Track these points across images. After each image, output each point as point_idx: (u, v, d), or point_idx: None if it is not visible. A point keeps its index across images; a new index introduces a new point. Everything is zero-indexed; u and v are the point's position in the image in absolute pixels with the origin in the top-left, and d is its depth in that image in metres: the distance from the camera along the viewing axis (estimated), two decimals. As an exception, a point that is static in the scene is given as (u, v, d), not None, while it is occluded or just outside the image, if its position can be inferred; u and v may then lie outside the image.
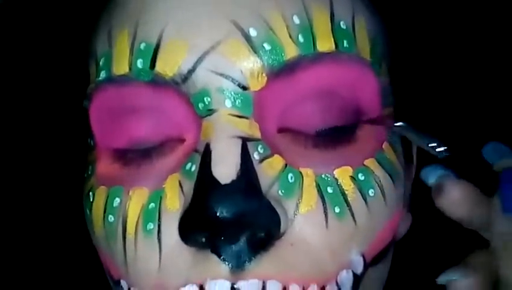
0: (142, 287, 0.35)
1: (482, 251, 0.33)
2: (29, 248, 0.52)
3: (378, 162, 0.36)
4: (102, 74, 0.36)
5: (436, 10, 0.54)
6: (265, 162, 0.34)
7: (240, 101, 0.34)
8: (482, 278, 0.32)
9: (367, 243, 0.36)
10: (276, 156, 0.34)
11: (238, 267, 0.32)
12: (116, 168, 0.37)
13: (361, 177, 0.35)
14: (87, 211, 0.38)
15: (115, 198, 0.36)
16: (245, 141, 0.34)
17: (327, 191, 0.34)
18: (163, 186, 0.35)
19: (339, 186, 0.35)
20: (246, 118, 0.34)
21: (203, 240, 0.32)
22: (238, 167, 0.33)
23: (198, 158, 0.34)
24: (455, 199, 0.33)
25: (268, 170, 0.34)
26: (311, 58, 0.35)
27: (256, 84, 0.34)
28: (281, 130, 0.36)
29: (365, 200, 0.35)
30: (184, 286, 0.33)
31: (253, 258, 0.33)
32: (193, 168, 0.34)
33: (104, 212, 0.36)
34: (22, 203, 0.52)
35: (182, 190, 0.34)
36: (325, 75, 0.35)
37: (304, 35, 0.35)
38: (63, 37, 0.49)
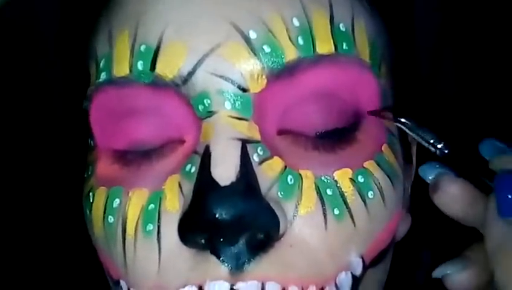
0: (141, 288, 0.35)
1: (480, 244, 0.33)
2: (28, 248, 0.52)
3: (378, 164, 0.36)
4: (103, 76, 0.36)
5: (436, 10, 0.54)
6: (264, 164, 0.34)
7: (239, 103, 0.34)
8: (478, 272, 0.32)
9: (366, 244, 0.36)
10: (275, 158, 0.35)
11: (237, 269, 0.33)
12: (116, 169, 0.37)
13: (360, 179, 0.35)
14: (87, 211, 0.38)
15: (114, 199, 0.36)
16: (245, 142, 0.34)
17: (326, 193, 0.35)
18: (163, 187, 0.35)
19: (339, 188, 0.35)
20: (246, 120, 0.34)
21: (203, 241, 0.33)
22: (238, 168, 0.33)
23: (198, 160, 0.34)
24: (451, 196, 0.34)
25: (268, 172, 0.34)
26: (310, 60, 0.35)
27: (256, 87, 0.34)
28: (281, 132, 0.36)
29: (364, 202, 0.35)
30: (183, 287, 0.33)
31: (252, 259, 0.33)
32: (193, 170, 0.34)
33: (104, 213, 0.36)
34: (21, 204, 0.52)
35: (182, 191, 0.34)
36: (325, 78, 0.35)
37: (303, 38, 0.35)
38: (63, 37, 0.49)
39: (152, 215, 0.35)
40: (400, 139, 0.40)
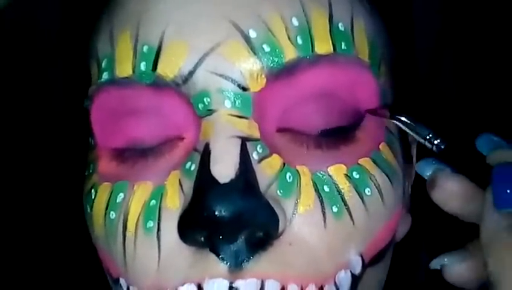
0: (140, 286, 0.35)
1: (479, 239, 0.33)
2: (29, 247, 0.52)
3: (374, 162, 0.36)
4: (105, 76, 0.37)
5: (435, 10, 0.54)
6: (264, 161, 0.34)
7: (239, 101, 0.34)
8: (477, 264, 0.32)
9: (365, 243, 0.36)
10: (274, 155, 0.35)
11: (236, 267, 0.33)
12: (119, 167, 0.37)
13: (356, 175, 0.35)
14: (88, 208, 0.38)
15: (119, 193, 0.36)
16: (244, 140, 0.34)
17: (324, 190, 0.35)
18: (165, 182, 0.35)
19: (335, 184, 0.35)
20: (246, 118, 0.34)
21: (202, 239, 0.33)
22: (237, 166, 0.33)
23: (197, 157, 0.34)
24: (449, 192, 0.34)
25: (267, 170, 0.34)
26: (309, 60, 0.35)
27: (255, 85, 0.35)
28: (280, 130, 0.36)
29: (362, 199, 0.35)
30: (182, 285, 0.33)
31: (251, 257, 0.33)
32: (192, 167, 0.34)
33: (106, 208, 0.36)
34: (22, 203, 0.52)
35: (182, 189, 0.34)
36: (324, 77, 0.36)
37: (302, 37, 0.35)
38: (64, 36, 0.49)
39: (153, 211, 0.35)
40: (400, 139, 0.40)
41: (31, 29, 0.51)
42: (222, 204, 0.31)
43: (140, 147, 0.37)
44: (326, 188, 0.35)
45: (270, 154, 0.35)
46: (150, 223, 0.35)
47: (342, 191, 0.35)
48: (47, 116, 0.52)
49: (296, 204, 0.34)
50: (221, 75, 0.34)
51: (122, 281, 0.37)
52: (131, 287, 0.36)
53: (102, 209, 0.37)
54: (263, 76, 0.34)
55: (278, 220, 0.33)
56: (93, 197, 0.38)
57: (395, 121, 0.37)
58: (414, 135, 0.36)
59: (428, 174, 0.35)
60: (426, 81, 0.55)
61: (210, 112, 0.34)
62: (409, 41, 0.49)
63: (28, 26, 0.51)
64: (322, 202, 0.34)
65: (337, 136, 0.36)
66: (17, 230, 0.52)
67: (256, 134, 0.35)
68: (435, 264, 0.34)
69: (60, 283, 0.51)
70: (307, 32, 0.35)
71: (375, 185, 0.36)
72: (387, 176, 0.37)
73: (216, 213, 0.31)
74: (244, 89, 0.34)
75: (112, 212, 0.36)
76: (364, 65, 0.37)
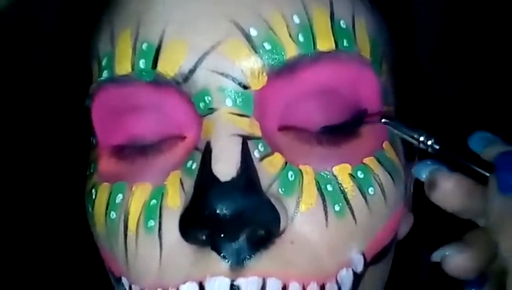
0: (142, 284, 0.35)
1: (479, 230, 0.33)
2: (31, 246, 0.52)
3: (378, 161, 0.36)
4: (105, 74, 0.37)
5: (437, 9, 0.54)
6: (265, 160, 0.34)
7: (240, 100, 0.34)
8: (477, 254, 0.32)
9: (367, 241, 0.36)
10: (276, 154, 0.35)
11: (237, 265, 0.33)
12: (119, 165, 0.37)
13: (360, 175, 0.35)
14: (89, 208, 0.38)
15: (117, 194, 0.36)
16: (245, 139, 0.34)
17: (327, 189, 0.35)
18: (165, 182, 0.35)
19: (339, 184, 0.35)
20: (247, 116, 0.34)
21: (203, 237, 0.33)
22: (238, 164, 0.33)
23: (198, 156, 0.34)
24: (448, 191, 0.33)
25: (269, 168, 0.34)
26: (311, 57, 0.35)
27: (256, 84, 0.35)
28: (282, 129, 0.36)
29: (365, 198, 0.35)
30: (184, 283, 0.33)
31: (253, 255, 0.33)
32: (194, 166, 0.34)
33: (106, 209, 0.37)
34: (23, 202, 0.52)
35: (183, 188, 0.34)
36: (325, 74, 0.36)
37: (304, 35, 0.35)
38: (66, 36, 0.50)
39: (154, 211, 0.35)
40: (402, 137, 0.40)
41: (33, 29, 0.51)
42: (223, 202, 0.31)
43: (141, 143, 0.37)
44: (329, 187, 0.35)
45: (272, 153, 0.35)
46: (151, 223, 0.35)
47: (345, 190, 0.35)
48: (49, 116, 0.52)
49: (298, 202, 0.34)
50: (221, 74, 0.34)
51: (124, 280, 0.37)
52: (133, 286, 0.36)
53: (103, 209, 0.37)
54: (264, 74, 0.34)
55: (279, 218, 0.33)
56: (93, 197, 0.38)
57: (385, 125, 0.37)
58: (407, 138, 0.36)
59: (425, 176, 0.35)
60: (428, 80, 0.55)
61: (211, 110, 0.34)
62: (410, 40, 0.49)
63: (29, 26, 0.51)
64: (324, 200, 0.34)
65: (339, 133, 0.36)
66: (20, 229, 0.52)
67: (258, 132, 0.35)
68: (436, 256, 0.34)
69: (62, 282, 0.51)
70: (309, 30, 0.35)
71: (378, 184, 0.36)
72: (390, 175, 0.37)
73: (217, 211, 0.31)
74: (245, 87, 0.34)
75: (112, 212, 0.36)
76: (366, 62, 0.37)
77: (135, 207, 0.35)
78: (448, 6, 0.54)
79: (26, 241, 0.52)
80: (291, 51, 0.35)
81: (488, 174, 0.33)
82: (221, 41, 0.34)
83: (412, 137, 0.36)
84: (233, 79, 0.34)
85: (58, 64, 0.51)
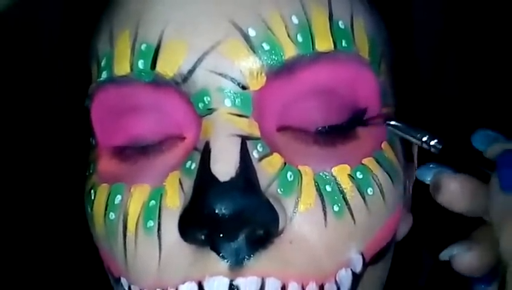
0: (141, 285, 0.35)
1: (485, 226, 0.33)
2: (30, 246, 0.52)
3: (377, 161, 0.36)
4: (104, 74, 0.37)
5: (436, 9, 0.54)
6: (264, 160, 0.34)
7: (239, 100, 0.34)
8: (485, 252, 0.32)
9: (366, 241, 0.36)
10: (275, 154, 0.35)
11: (236, 264, 0.33)
12: (117, 166, 0.37)
13: (359, 175, 0.35)
14: (88, 209, 0.38)
15: (116, 195, 0.36)
16: (244, 139, 0.34)
17: (326, 190, 0.35)
18: (164, 183, 0.35)
19: (338, 184, 0.35)
20: (246, 117, 0.35)
21: (202, 237, 0.33)
22: (237, 164, 0.33)
23: (198, 156, 0.34)
24: (455, 193, 0.33)
25: (268, 168, 0.34)
26: (309, 58, 0.35)
27: (255, 84, 0.35)
28: (281, 129, 0.36)
29: (364, 199, 0.35)
30: (183, 283, 0.33)
31: (252, 255, 0.33)
32: (193, 166, 0.34)
33: (105, 209, 0.37)
34: (23, 203, 0.52)
35: (182, 188, 0.34)
36: (324, 75, 0.36)
37: (302, 35, 0.35)
38: (65, 37, 0.50)
39: (153, 211, 0.35)
40: (401, 138, 0.40)
41: (33, 30, 0.51)
42: (222, 202, 0.32)
43: (141, 144, 0.37)
44: (328, 188, 0.35)
45: (271, 153, 0.35)
46: (150, 223, 0.35)
47: (344, 190, 0.35)
48: (49, 116, 0.52)
49: (297, 203, 0.34)
50: (220, 74, 0.34)
51: (123, 280, 0.37)
52: (132, 287, 0.36)
53: (102, 210, 0.37)
54: (263, 74, 0.34)
55: (278, 218, 0.33)
56: (92, 197, 0.38)
57: (390, 127, 0.37)
58: (410, 139, 0.36)
59: (429, 179, 0.35)
60: (428, 81, 0.55)
61: (210, 110, 0.34)
62: (409, 40, 0.49)
63: (29, 27, 0.51)
64: (323, 201, 0.34)
65: (337, 133, 0.36)
66: (19, 230, 0.52)
67: (257, 133, 0.35)
68: (444, 255, 0.34)
69: (62, 282, 0.51)
70: (307, 30, 0.35)
71: (377, 184, 0.36)
72: (388, 175, 0.37)
73: (216, 211, 0.31)
74: (244, 87, 0.34)
75: (111, 213, 0.36)
76: (365, 62, 0.37)
77: (134, 208, 0.35)
78: (448, 6, 0.54)
79: (26, 241, 0.52)
80: (289, 51, 0.35)
81: (491, 173, 0.33)
82: (221, 42, 0.34)
83: (415, 137, 0.36)
84: (232, 79, 0.34)
85: (58, 65, 0.51)
